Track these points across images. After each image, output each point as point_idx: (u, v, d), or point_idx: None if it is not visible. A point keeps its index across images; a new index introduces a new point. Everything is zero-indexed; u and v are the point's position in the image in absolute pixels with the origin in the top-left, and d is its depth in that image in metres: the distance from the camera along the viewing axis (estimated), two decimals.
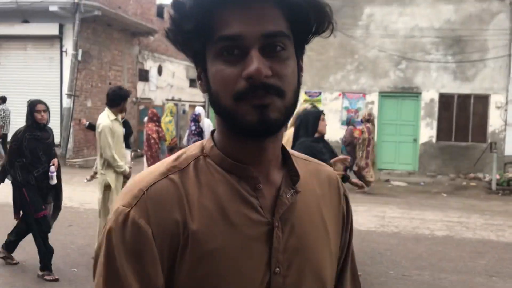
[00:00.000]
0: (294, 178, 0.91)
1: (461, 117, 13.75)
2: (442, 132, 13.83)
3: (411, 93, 13.92)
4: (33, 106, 4.86)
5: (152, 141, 8.73)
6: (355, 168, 10.30)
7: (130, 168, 5.65)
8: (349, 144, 10.78)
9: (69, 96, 13.78)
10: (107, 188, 5.32)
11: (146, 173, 0.88)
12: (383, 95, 14.03)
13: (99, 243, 0.84)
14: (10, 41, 14.71)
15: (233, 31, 0.80)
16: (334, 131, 14.19)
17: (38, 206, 4.86)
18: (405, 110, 14.08)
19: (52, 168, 5.00)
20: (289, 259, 0.88)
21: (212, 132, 0.94)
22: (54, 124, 13.65)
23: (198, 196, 0.85)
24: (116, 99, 5.33)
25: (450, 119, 13.80)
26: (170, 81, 19.88)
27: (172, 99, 19.79)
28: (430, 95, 13.77)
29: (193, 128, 9.67)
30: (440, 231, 7.43)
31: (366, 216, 8.30)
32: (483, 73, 13.47)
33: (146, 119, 9.40)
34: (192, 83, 22.65)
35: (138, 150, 14.17)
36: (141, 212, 0.81)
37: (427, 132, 13.87)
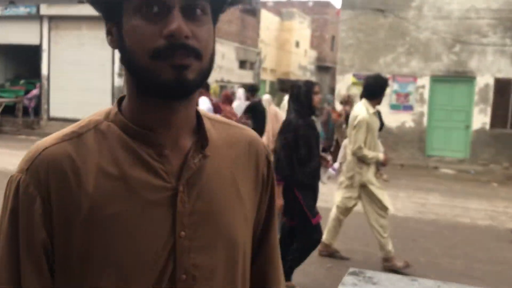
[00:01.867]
0: (203, 143, 0.91)
1: None
2: (497, 119, 13.17)
3: (464, 77, 13.32)
4: (312, 87, 4.12)
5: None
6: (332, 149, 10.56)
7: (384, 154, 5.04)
8: (325, 124, 10.86)
9: (119, 75, 14.20)
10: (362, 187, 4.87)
11: (45, 139, 0.88)
12: (435, 79, 13.51)
13: None
14: (66, 21, 15.29)
15: None
16: (383, 115, 13.87)
17: (314, 211, 4.06)
18: (457, 95, 13.50)
19: (336, 165, 4.34)
20: (196, 222, 0.87)
21: (119, 99, 0.93)
22: (106, 102, 14.17)
23: (98, 162, 0.84)
24: (378, 90, 4.80)
25: (505, 106, 13.11)
26: (219, 62, 20.02)
27: (221, 81, 19.96)
28: (485, 80, 13.13)
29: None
30: (482, 220, 7.15)
31: (406, 202, 8.11)
32: None
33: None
34: (242, 64, 22.73)
35: None
36: (31, 179, 0.82)
37: (481, 118, 13.26)
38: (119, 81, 14.22)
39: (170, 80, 0.80)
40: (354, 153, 4.79)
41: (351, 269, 2.20)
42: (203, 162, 0.90)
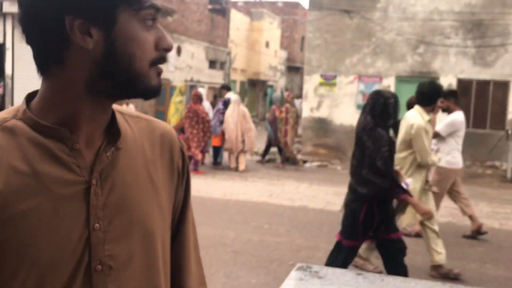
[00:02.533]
0: (116, 136, 0.92)
1: (480, 103, 13.43)
2: None
3: (428, 77, 13.63)
4: (397, 98, 3.85)
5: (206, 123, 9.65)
6: (282, 145, 11.71)
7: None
8: (271, 123, 11.75)
9: None
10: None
11: None
12: (400, 79, 13.79)
13: None
14: None
15: (157, 3, 0.88)
16: (349, 115, 14.09)
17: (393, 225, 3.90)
18: None
19: (408, 180, 4.10)
20: (111, 214, 0.88)
21: (27, 97, 0.92)
22: None
23: (7, 159, 0.83)
24: (433, 97, 4.63)
25: (468, 106, 13.48)
26: (189, 62, 19.95)
27: (191, 80, 19.87)
28: (448, 80, 13.47)
29: (221, 107, 10.59)
30: (442, 217, 7.34)
31: None
32: (504, 59, 13.08)
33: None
34: (211, 64, 22.68)
35: None
36: None
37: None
38: None
39: (156, 86, 0.90)
40: (424, 162, 4.58)
41: (298, 264, 2.25)
42: (115, 155, 0.91)
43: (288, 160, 11.96)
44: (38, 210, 0.83)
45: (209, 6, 22.48)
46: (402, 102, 14.63)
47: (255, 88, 30.26)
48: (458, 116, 5.87)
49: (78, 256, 0.85)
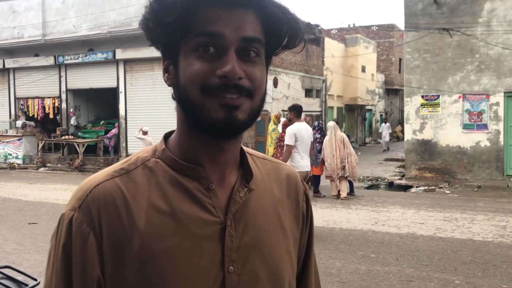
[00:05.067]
0: (248, 177, 0.93)
1: None
2: None
3: None
4: None
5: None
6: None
7: None
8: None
9: None
10: None
11: (94, 175, 0.89)
12: (510, 95, 12.92)
13: (52, 241, 0.87)
14: (139, 63, 16.24)
15: (214, 29, 0.81)
16: (455, 135, 13.42)
17: None
18: None
19: None
20: (244, 256, 0.88)
21: (165, 135, 0.95)
22: None
23: (148, 197, 0.85)
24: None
25: None
26: (285, 92, 20.29)
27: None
28: None
29: (318, 136, 10.67)
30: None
31: (484, 225, 7.74)
32: None
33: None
34: (307, 92, 22.86)
35: None
36: (83, 216, 0.83)
37: None
38: None
39: (220, 119, 0.82)
40: None
41: None
42: (248, 196, 0.91)
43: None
44: (177, 249, 0.84)
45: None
46: None
47: (353, 113, 29.89)
48: (294, 127, 7.23)
49: None
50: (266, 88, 0.89)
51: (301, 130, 7.22)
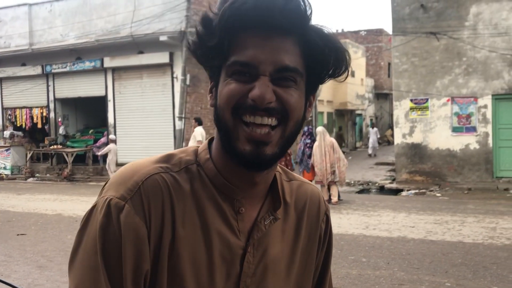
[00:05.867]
0: (276, 204, 0.94)
1: None
2: None
3: None
4: None
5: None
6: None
7: None
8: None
9: (179, 118, 14.73)
10: None
11: (138, 164, 0.88)
12: (497, 97, 13.02)
13: (88, 231, 0.83)
14: (127, 71, 16.17)
15: (247, 58, 0.82)
16: (444, 139, 13.49)
17: None
18: None
19: None
20: (256, 283, 0.91)
21: (209, 140, 0.95)
22: (168, 145, 14.70)
23: (188, 205, 0.87)
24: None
25: None
26: None
27: None
28: None
29: (308, 141, 10.76)
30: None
31: (474, 227, 7.77)
32: None
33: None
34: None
35: None
36: (136, 208, 0.82)
37: None
38: (180, 124, 14.74)
39: (246, 153, 0.83)
40: None
41: None
42: (272, 225, 0.93)
43: None
44: (202, 265, 0.86)
45: None
46: (503, 121, 13.80)
47: (343, 118, 29.99)
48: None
49: None
50: (304, 116, 0.89)
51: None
